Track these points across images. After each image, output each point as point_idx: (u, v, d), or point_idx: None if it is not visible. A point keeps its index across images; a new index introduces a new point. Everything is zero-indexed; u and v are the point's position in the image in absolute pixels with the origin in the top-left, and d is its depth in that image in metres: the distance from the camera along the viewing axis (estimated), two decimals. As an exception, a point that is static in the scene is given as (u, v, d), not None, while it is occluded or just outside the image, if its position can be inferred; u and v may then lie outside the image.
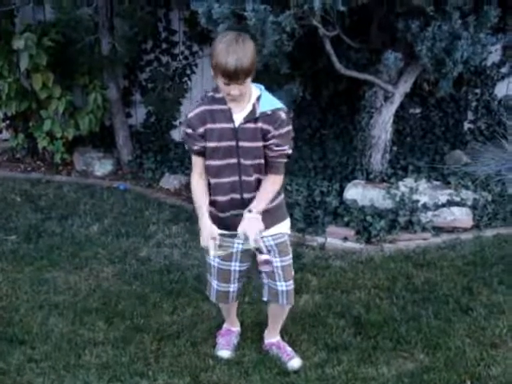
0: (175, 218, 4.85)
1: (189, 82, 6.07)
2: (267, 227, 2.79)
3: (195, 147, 2.70)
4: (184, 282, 3.90)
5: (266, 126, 2.62)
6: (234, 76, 2.43)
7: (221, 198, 2.75)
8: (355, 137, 5.05)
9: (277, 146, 2.65)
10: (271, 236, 2.83)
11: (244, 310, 3.45)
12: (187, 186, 5.38)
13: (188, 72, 6.04)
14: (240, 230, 2.60)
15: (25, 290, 3.79)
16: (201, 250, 4.20)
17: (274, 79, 4.47)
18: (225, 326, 3.31)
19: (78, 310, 3.58)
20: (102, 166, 5.83)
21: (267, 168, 2.72)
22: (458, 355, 3.14)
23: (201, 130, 2.65)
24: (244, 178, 2.70)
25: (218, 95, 2.63)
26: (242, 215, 2.71)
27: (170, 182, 5.49)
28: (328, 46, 4.18)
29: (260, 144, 2.65)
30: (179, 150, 5.93)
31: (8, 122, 5.92)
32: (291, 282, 2.94)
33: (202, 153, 2.71)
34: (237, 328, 3.32)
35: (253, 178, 2.71)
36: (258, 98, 2.63)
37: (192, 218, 4.77)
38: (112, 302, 3.65)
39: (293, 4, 3.66)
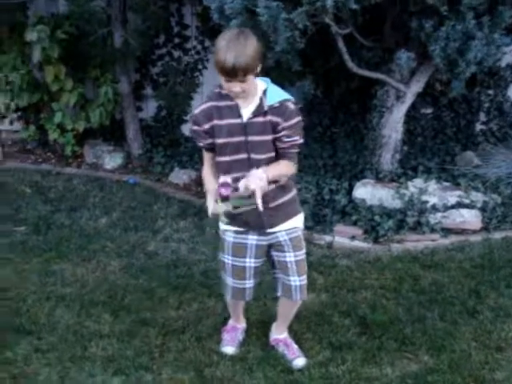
0: (183, 212, 4.86)
1: (200, 77, 6.08)
2: (281, 222, 2.80)
3: (201, 144, 2.72)
4: (190, 277, 3.91)
5: (275, 119, 2.60)
6: (232, 73, 2.42)
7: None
8: (366, 136, 5.04)
9: (288, 137, 2.63)
10: (285, 231, 2.83)
11: (249, 306, 3.43)
12: (196, 181, 5.41)
13: (200, 67, 6.06)
14: (242, 182, 2.52)
15: (33, 281, 3.81)
16: (208, 246, 4.28)
17: (286, 76, 4.47)
18: (230, 322, 3.31)
19: (85, 302, 3.59)
20: (111, 160, 5.85)
21: (279, 158, 2.70)
22: (462, 358, 3.12)
23: (206, 126, 2.64)
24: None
25: (224, 91, 2.62)
26: (253, 211, 2.68)
27: (180, 176, 5.50)
28: (340, 44, 4.17)
29: (270, 137, 2.63)
30: (189, 144, 5.94)
31: (19, 113, 5.96)
32: (304, 276, 2.93)
33: (210, 149, 2.72)
34: (242, 325, 3.32)
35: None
36: (265, 92, 2.62)
37: (200, 213, 4.79)
38: (118, 296, 3.66)
39: (305, 1, 3.64)
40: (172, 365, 3.05)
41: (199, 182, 5.37)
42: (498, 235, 4.46)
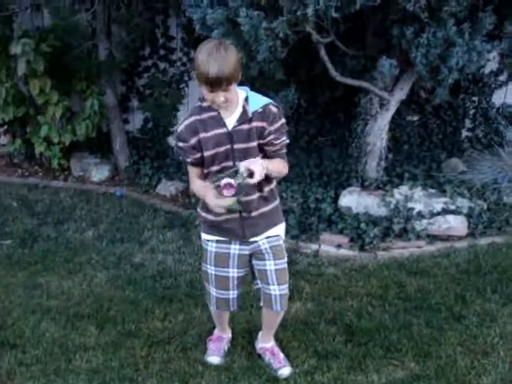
0: (170, 224, 4.85)
1: (186, 89, 6.09)
2: (262, 231, 2.80)
3: (188, 159, 2.70)
4: (177, 287, 3.90)
5: (260, 124, 2.62)
6: (216, 84, 2.43)
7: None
8: (351, 144, 5.05)
9: (277, 139, 2.67)
10: (266, 238, 2.83)
11: (235, 316, 3.43)
12: (183, 192, 5.41)
13: (186, 78, 6.07)
14: (243, 163, 2.52)
15: (18, 294, 3.80)
16: (194, 256, 4.27)
17: (270, 85, 4.46)
18: (216, 332, 3.30)
19: (71, 314, 3.58)
20: (98, 172, 5.84)
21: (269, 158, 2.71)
22: (448, 363, 3.12)
23: (192, 141, 2.63)
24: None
25: (204, 104, 2.63)
26: (237, 220, 2.72)
27: (167, 188, 5.49)
28: (322, 53, 4.18)
29: (255, 143, 2.64)
30: (176, 156, 5.92)
31: (5, 127, 5.96)
32: (285, 286, 2.92)
33: (198, 164, 2.70)
34: (228, 335, 3.31)
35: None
36: (246, 99, 2.63)
37: (187, 225, 4.80)
38: (104, 308, 3.65)
39: (286, 10, 3.66)
40: (157, 376, 3.04)
41: (186, 193, 5.38)
42: (483, 241, 4.47)
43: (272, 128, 2.63)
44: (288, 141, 2.74)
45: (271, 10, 3.74)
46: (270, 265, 2.85)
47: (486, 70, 5.72)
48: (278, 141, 2.68)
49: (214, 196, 2.55)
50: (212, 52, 2.41)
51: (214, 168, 2.67)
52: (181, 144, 2.67)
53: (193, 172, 2.76)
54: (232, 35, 3.84)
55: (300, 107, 5.59)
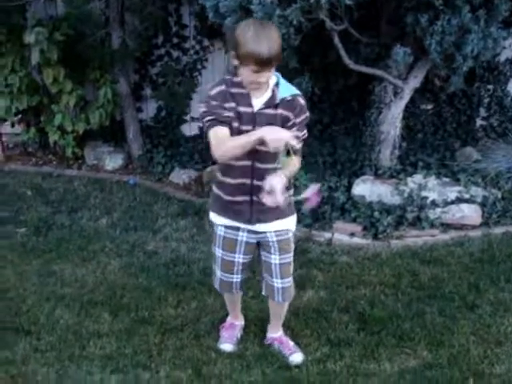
0: (183, 212, 4.86)
1: (199, 77, 6.09)
2: (270, 219, 2.78)
3: (220, 118, 2.54)
4: (190, 275, 3.91)
5: (285, 113, 2.59)
6: (267, 63, 2.40)
7: (230, 181, 2.71)
8: (364, 132, 5.02)
9: (299, 130, 2.63)
10: (274, 232, 2.82)
11: (248, 303, 3.45)
12: (196, 181, 5.43)
13: (199, 67, 6.07)
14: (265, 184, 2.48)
15: (32, 281, 3.82)
16: (207, 244, 4.27)
17: (283, 73, 4.43)
18: (228, 319, 3.32)
19: (84, 302, 3.60)
20: (112, 160, 5.87)
21: None
22: (461, 352, 3.11)
23: (227, 105, 2.56)
24: (257, 164, 2.65)
25: (235, 79, 2.58)
26: (248, 202, 2.70)
27: (180, 176, 5.50)
28: (336, 40, 4.16)
29: None
30: (189, 144, 5.96)
31: (20, 116, 5.97)
32: (289, 279, 2.93)
33: (229, 123, 2.56)
34: (240, 322, 3.32)
35: (265, 166, 2.65)
36: (277, 85, 2.60)
37: (200, 213, 4.80)
38: (118, 295, 3.67)
39: (299, -3, 3.64)
40: (170, 363, 3.05)
41: (200, 182, 5.39)
42: (498, 230, 4.45)
43: (297, 120, 2.61)
44: (307, 134, 2.72)
45: (284, -3, 3.72)
46: (276, 259, 2.86)
47: (502, 58, 5.68)
48: (300, 134, 2.64)
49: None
50: (259, 30, 2.39)
51: None
52: (213, 102, 2.55)
53: (219, 132, 2.54)
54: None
55: (314, 95, 5.56)
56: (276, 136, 2.45)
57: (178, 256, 4.17)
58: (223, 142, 2.54)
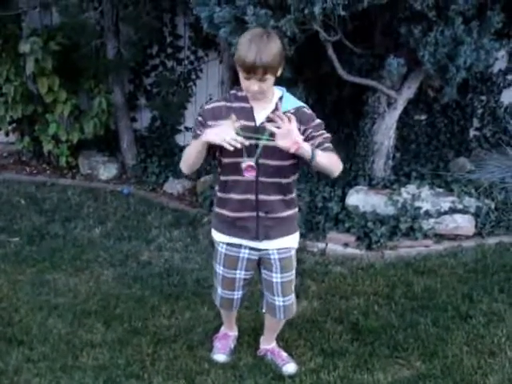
0: (177, 222, 4.86)
1: (193, 87, 6.10)
2: (276, 236, 2.76)
3: (198, 131, 2.59)
4: (183, 285, 3.90)
5: None
6: (251, 69, 2.40)
7: (235, 197, 2.68)
8: (358, 143, 5.04)
9: (315, 131, 2.59)
10: (277, 250, 2.80)
11: (242, 314, 3.43)
12: (190, 191, 5.43)
13: (193, 77, 6.07)
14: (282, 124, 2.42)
15: (25, 291, 3.80)
16: (201, 255, 4.27)
17: (277, 84, 4.46)
18: (222, 329, 3.31)
19: (78, 312, 3.58)
20: (106, 170, 5.87)
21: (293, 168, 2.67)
22: (455, 363, 3.11)
23: (209, 123, 2.57)
24: (261, 178, 2.62)
25: (240, 93, 2.59)
26: (254, 218, 2.68)
27: (174, 186, 5.51)
28: (330, 51, 4.18)
29: None
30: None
31: (14, 125, 5.97)
32: (290, 296, 2.92)
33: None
34: (234, 333, 3.31)
35: (270, 180, 2.64)
36: (281, 98, 2.60)
37: (194, 223, 4.81)
38: (111, 305, 3.66)
39: (293, 8, 3.66)
40: (163, 373, 3.04)
41: (194, 192, 5.39)
42: (491, 240, 4.47)
43: (308, 126, 2.58)
44: (330, 135, 2.64)
45: (278, 9, 3.74)
46: (277, 277, 2.84)
47: (495, 69, 5.71)
48: (318, 132, 2.59)
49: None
50: (254, 37, 2.41)
51: (231, 160, 2.61)
52: (200, 118, 2.63)
53: (186, 150, 2.64)
54: (239, 33, 3.83)
55: (308, 106, 5.56)
56: (219, 135, 2.44)
57: (171, 266, 4.16)
58: (185, 151, 2.66)
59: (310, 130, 2.59)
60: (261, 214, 2.69)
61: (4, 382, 2.96)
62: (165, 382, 2.97)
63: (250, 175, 2.55)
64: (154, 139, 6.20)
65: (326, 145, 2.60)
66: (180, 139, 6.21)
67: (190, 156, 2.61)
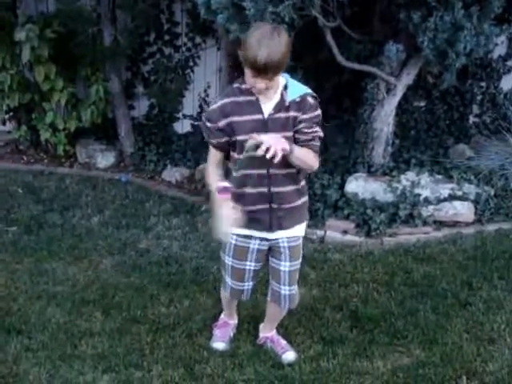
0: (176, 210, 4.84)
1: (191, 74, 6.06)
2: (289, 226, 2.75)
3: (213, 141, 2.63)
4: (182, 274, 3.89)
5: (295, 114, 2.55)
6: (263, 71, 2.35)
7: (248, 191, 2.66)
8: (357, 129, 5.02)
9: (308, 128, 2.57)
10: (287, 238, 2.79)
11: (241, 302, 3.41)
12: (189, 179, 5.40)
13: (191, 64, 6.04)
14: (263, 137, 2.44)
15: (24, 280, 3.79)
16: (200, 243, 4.26)
17: (275, 71, 4.43)
18: (222, 317, 3.30)
19: (76, 300, 3.58)
20: (104, 158, 5.84)
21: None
22: (454, 350, 3.11)
23: (221, 123, 2.56)
24: (272, 170, 2.60)
25: (244, 86, 2.54)
26: (267, 210, 2.67)
27: (172, 174, 5.49)
28: (329, 37, 4.15)
29: (290, 134, 2.56)
30: (181, 142, 5.95)
31: (11, 113, 5.93)
32: (295, 286, 2.92)
33: (220, 147, 2.64)
34: (234, 321, 3.30)
35: (282, 172, 2.61)
36: (286, 87, 2.56)
37: (192, 211, 4.79)
38: (110, 294, 3.65)
39: (292, -6, 3.62)
40: (162, 362, 3.03)
41: (192, 180, 5.37)
42: (491, 227, 4.46)
43: (304, 117, 2.56)
44: (322, 134, 2.64)
45: (277, -6, 3.70)
46: (285, 266, 2.83)
47: (495, 55, 5.68)
48: (310, 130, 2.58)
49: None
50: (265, 37, 2.32)
51: (242, 156, 2.57)
52: (208, 124, 2.60)
53: (213, 154, 2.69)
54: (237, 19, 3.80)
55: (306, 93, 5.53)
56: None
57: (170, 254, 4.15)
58: (208, 170, 2.74)
59: (302, 125, 2.56)
60: (274, 205, 2.68)
61: (3, 371, 2.95)
62: (164, 370, 2.97)
63: (224, 197, 2.52)
64: (152, 127, 6.17)
65: (311, 143, 2.60)
66: (178, 127, 6.18)
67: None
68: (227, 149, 2.65)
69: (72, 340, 3.21)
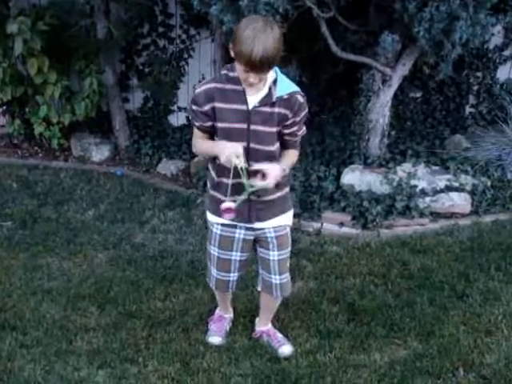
0: (171, 203, 4.82)
1: (186, 66, 6.01)
2: (268, 217, 2.75)
3: (197, 123, 2.62)
4: (178, 268, 3.87)
5: (283, 111, 2.53)
6: (257, 66, 2.32)
7: (226, 181, 2.65)
8: (353, 121, 4.99)
9: (299, 130, 2.63)
10: (273, 228, 2.78)
11: (237, 296, 3.41)
12: (184, 172, 5.37)
13: (185, 56, 5.98)
14: (262, 166, 2.51)
15: (18, 275, 3.77)
16: (196, 236, 4.24)
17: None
18: (217, 311, 3.29)
19: (71, 296, 3.56)
20: (99, 152, 5.80)
21: (284, 146, 2.67)
22: (451, 342, 3.10)
23: (206, 107, 2.54)
24: (251, 163, 2.57)
25: (232, 74, 2.51)
26: (245, 202, 2.64)
27: (167, 167, 5.45)
28: (324, 28, 4.11)
29: (274, 129, 2.55)
30: (177, 135, 5.90)
31: (4, 107, 5.88)
32: (286, 274, 2.91)
33: (205, 130, 2.62)
34: (229, 315, 3.29)
35: (259, 164, 2.58)
36: (275, 82, 2.52)
37: (188, 204, 4.76)
38: (105, 288, 3.63)
39: (286, -16, 3.58)
40: (158, 357, 3.02)
41: (187, 173, 5.34)
42: (487, 218, 4.45)
43: (297, 119, 2.57)
44: (305, 130, 2.70)
45: (270, -16, 3.65)
46: (274, 255, 2.83)
47: (491, 45, 5.64)
48: (300, 132, 2.64)
49: (225, 146, 2.50)
50: (258, 32, 2.28)
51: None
52: (194, 107, 2.58)
53: (198, 134, 2.67)
54: (230, 10, 3.76)
55: (301, 84, 5.46)
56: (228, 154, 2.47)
57: (165, 248, 4.13)
58: (196, 143, 2.72)
59: (295, 127, 2.61)
60: (253, 197, 2.66)
61: (-2, 368, 2.94)
62: (160, 365, 2.96)
63: (228, 217, 2.56)
64: (147, 120, 6.12)
65: (295, 140, 2.69)
66: (173, 119, 6.14)
67: (203, 154, 2.84)
68: (211, 132, 2.64)
69: (67, 335, 3.20)
